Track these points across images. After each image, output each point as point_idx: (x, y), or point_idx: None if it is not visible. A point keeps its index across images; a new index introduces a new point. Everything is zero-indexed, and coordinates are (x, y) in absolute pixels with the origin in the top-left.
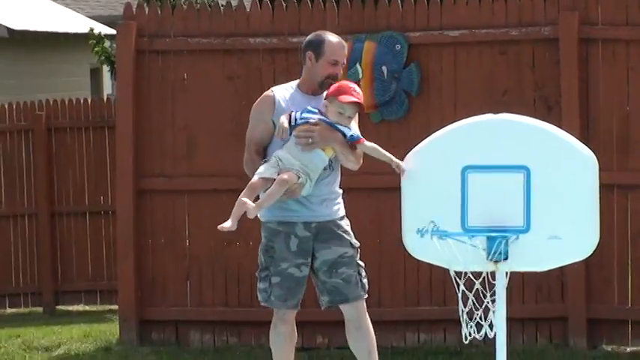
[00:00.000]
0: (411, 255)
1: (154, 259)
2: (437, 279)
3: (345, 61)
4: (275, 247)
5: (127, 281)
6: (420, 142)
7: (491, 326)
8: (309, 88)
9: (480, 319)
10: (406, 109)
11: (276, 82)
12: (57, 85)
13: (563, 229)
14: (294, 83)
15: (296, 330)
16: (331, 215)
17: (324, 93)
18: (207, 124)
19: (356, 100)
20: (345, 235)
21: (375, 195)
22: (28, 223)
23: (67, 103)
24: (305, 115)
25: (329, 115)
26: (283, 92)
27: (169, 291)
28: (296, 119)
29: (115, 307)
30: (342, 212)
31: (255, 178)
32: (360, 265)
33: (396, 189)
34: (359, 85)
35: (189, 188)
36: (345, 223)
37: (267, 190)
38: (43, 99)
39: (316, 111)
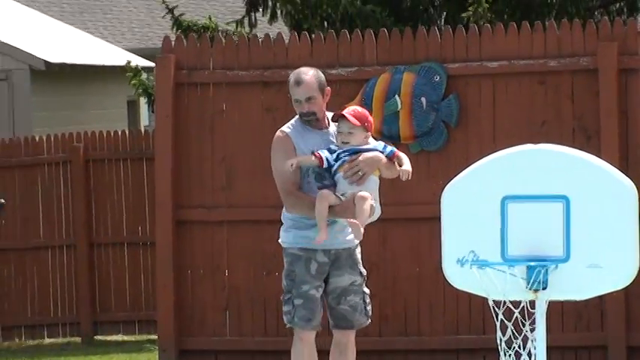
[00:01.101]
0: (450, 284)
1: (193, 289)
2: (476, 308)
3: (316, 96)
4: (296, 270)
5: (166, 312)
6: (458, 172)
7: (529, 355)
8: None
9: (519, 347)
10: (445, 140)
11: None
12: (94, 117)
13: (603, 258)
14: (293, 121)
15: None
16: (348, 243)
17: (329, 126)
18: (245, 156)
19: (342, 112)
20: (357, 264)
21: (414, 225)
22: (67, 254)
23: (105, 134)
24: (336, 155)
25: (338, 140)
26: (292, 130)
27: (208, 321)
28: (329, 162)
29: (153, 337)
30: (357, 241)
31: (322, 191)
32: (365, 293)
33: (435, 219)
34: (397, 116)
35: (228, 219)
36: (358, 252)
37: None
38: (81, 131)
39: (337, 147)
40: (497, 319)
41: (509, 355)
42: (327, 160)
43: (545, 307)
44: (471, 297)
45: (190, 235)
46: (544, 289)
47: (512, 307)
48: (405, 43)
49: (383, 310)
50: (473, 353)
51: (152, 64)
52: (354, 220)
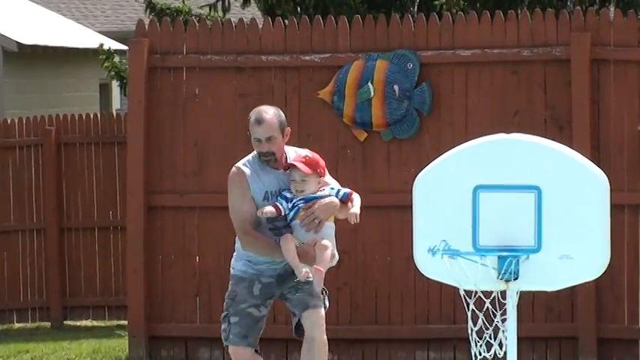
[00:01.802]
0: (421, 273)
1: (163, 275)
2: (447, 297)
3: (276, 136)
4: (238, 290)
5: (136, 297)
6: (430, 161)
7: (500, 345)
8: None
9: (490, 337)
10: (417, 128)
11: (287, 100)
12: (66, 100)
13: (574, 249)
14: (250, 157)
15: None
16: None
17: (283, 171)
18: (217, 141)
19: (292, 162)
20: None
21: (385, 213)
22: (37, 238)
23: (77, 118)
24: (292, 204)
25: (292, 188)
26: (249, 168)
27: (179, 307)
28: (284, 210)
29: (123, 322)
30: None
31: (287, 235)
32: (323, 288)
33: (406, 207)
34: (370, 104)
35: (200, 205)
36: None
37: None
38: (53, 114)
39: (291, 194)
40: (469, 309)
41: (480, 345)
42: (283, 209)
43: (516, 297)
44: (441, 286)
45: (161, 220)
46: (515, 279)
47: (484, 297)
48: (379, 30)
49: (354, 299)
50: (443, 343)
51: (125, 47)
52: (319, 267)
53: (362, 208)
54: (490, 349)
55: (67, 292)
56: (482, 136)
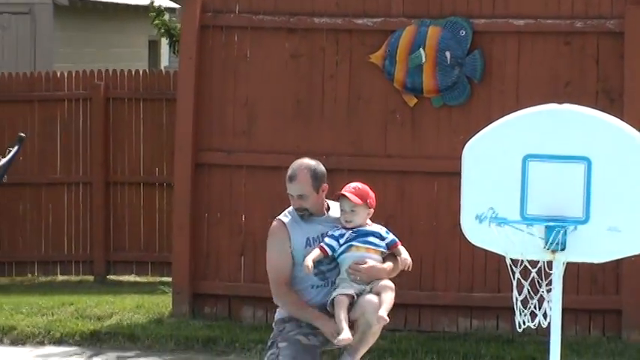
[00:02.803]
0: (467, 240)
1: (209, 233)
2: (491, 266)
3: (308, 194)
4: (285, 326)
5: (181, 254)
6: (480, 129)
7: (545, 315)
8: None
9: (534, 307)
10: (468, 95)
11: (338, 63)
12: (115, 56)
13: (623, 222)
14: (291, 208)
15: None
16: None
17: (327, 213)
18: (268, 101)
19: (342, 192)
20: None
21: (433, 179)
22: (83, 192)
23: (125, 73)
24: (340, 239)
25: (342, 218)
26: (289, 219)
27: (223, 265)
28: (333, 249)
29: (165, 279)
30: None
31: (339, 296)
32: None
33: (454, 174)
34: (421, 70)
35: (248, 164)
36: None
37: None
38: (102, 69)
39: (339, 229)
40: (514, 278)
41: (525, 315)
42: (330, 248)
43: (562, 268)
44: (486, 255)
45: (209, 178)
46: (562, 250)
47: (530, 267)
48: None
49: None
50: (486, 311)
51: (175, 5)
52: (383, 315)
53: (410, 173)
54: (534, 319)
55: (111, 246)
56: (532, 105)
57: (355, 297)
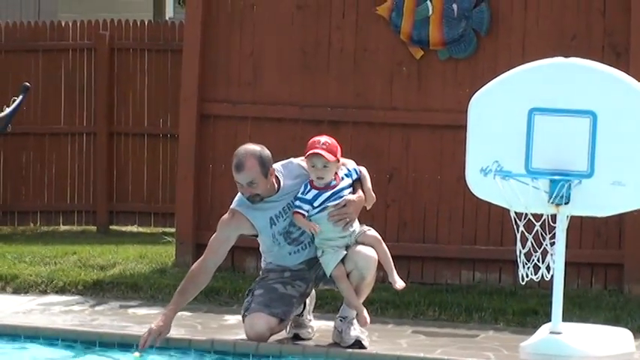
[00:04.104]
0: (471, 193)
1: (213, 184)
2: (495, 219)
3: (258, 180)
4: (269, 274)
5: (185, 204)
6: (486, 82)
7: (548, 269)
8: None
9: (538, 260)
10: (474, 48)
11: (345, 15)
12: (119, 6)
13: (627, 176)
14: (239, 196)
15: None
16: None
17: (280, 188)
18: (273, 52)
19: (315, 151)
20: None
21: (438, 132)
22: (86, 142)
23: (131, 24)
24: (314, 202)
25: (313, 175)
26: (242, 207)
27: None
28: (309, 213)
29: (168, 229)
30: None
31: (335, 270)
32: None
33: (459, 127)
34: (428, 22)
35: (253, 115)
36: None
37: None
38: (107, 18)
39: (307, 193)
40: (518, 231)
41: (528, 268)
42: (304, 211)
43: (566, 222)
44: (490, 207)
45: (214, 129)
46: (566, 203)
47: (534, 220)
48: None
49: (402, 216)
50: (489, 264)
51: None
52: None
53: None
54: (537, 272)
55: (114, 197)
56: (538, 59)
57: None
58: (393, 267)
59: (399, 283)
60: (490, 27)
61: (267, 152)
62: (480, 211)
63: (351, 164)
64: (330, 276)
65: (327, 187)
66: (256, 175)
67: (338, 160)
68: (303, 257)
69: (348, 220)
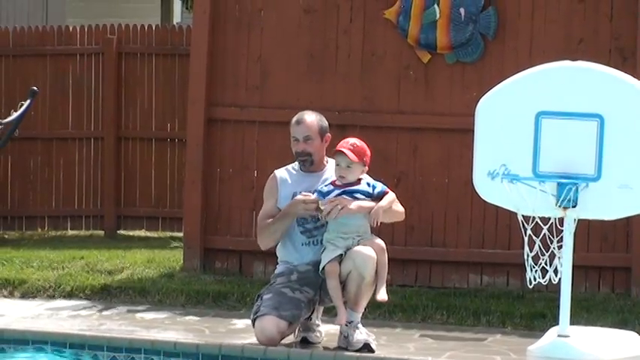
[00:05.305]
0: (479, 197)
1: (221, 188)
2: (502, 223)
3: (314, 137)
4: (277, 279)
5: (193, 209)
6: (493, 86)
7: (555, 272)
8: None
9: (545, 264)
10: (481, 52)
11: (352, 19)
12: (127, 11)
13: (635, 179)
14: (294, 163)
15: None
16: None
17: (324, 169)
18: (281, 56)
19: (341, 149)
20: None
21: (445, 136)
22: (94, 146)
23: (138, 28)
24: (327, 196)
25: (336, 173)
26: (285, 173)
27: (235, 221)
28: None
29: (176, 234)
30: None
31: (328, 266)
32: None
33: (467, 130)
34: (435, 26)
35: (260, 119)
36: None
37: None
38: (114, 23)
39: (327, 189)
40: (526, 235)
41: (535, 271)
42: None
43: (574, 225)
44: (497, 211)
45: (221, 133)
46: (574, 207)
47: (541, 224)
48: None
49: (409, 220)
50: (497, 267)
51: None
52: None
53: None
54: (545, 276)
55: (122, 201)
56: (545, 62)
57: (344, 254)
58: (385, 282)
59: (381, 295)
60: (497, 31)
61: (326, 121)
62: (487, 214)
63: (381, 185)
64: (322, 272)
65: (345, 185)
66: (314, 132)
67: (364, 164)
68: (312, 255)
69: (339, 207)
